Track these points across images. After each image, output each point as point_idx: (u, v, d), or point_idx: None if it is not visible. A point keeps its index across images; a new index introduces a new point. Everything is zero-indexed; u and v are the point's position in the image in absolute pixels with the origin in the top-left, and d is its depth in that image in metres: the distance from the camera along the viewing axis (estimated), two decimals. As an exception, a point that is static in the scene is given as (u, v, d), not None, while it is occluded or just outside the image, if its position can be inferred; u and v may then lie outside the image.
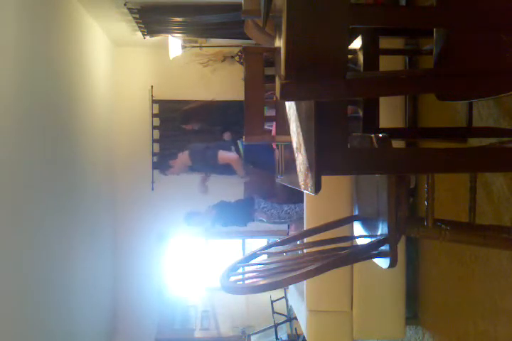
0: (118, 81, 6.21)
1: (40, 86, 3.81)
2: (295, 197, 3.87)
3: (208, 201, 4.32)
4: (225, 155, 4.21)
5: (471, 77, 1.09)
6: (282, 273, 1.21)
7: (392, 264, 1.27)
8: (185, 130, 4.84)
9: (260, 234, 6.08)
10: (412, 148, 2.62)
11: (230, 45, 6.00)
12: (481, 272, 2.13)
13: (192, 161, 4.28)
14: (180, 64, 6.11)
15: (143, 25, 5.26)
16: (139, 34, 5.52)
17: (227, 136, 4.40)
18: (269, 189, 4.30)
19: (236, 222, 4.34)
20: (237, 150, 4.16)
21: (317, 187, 1.09)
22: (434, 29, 1.48)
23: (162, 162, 4.56)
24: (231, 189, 5.01)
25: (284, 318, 5.53)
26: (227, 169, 4.29)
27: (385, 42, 1.85)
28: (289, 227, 4.61)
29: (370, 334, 2.84)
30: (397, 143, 2.45)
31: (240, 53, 6.13)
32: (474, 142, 1.93)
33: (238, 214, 4.21)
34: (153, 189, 6.22)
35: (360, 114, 1.69)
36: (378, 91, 1.12)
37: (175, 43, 5.61)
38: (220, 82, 6.19)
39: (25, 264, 3.48)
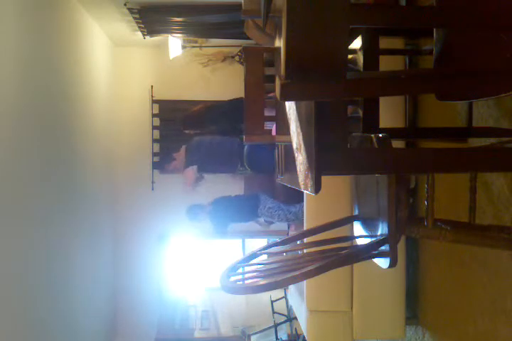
0: (118, 81, 6.21)
1: (40, 86, 3.81)
2: (300, 196, 3.80)
3: (209, 199, 4.30)
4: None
5: (471, 77, 1.09)
6: (282, 273, 1.21)
7: (392, 264, 1.27)
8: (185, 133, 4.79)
9: (260, 234, 6.07)
10: (412, 148, 2.62)
11: (230, 45, 6.01)
12: (480, 272, 2.13)
13: (188, 155, 4.16)
14: (181, 64, 6.12)
15: (143, 25, 5.26)
16: (139, 34, 5.52)
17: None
18: (272, 185, 4.26)
19: (238, 219, 4.26)
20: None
21: (317, 187, 1.09)
22: (434, 29, 1.48)
23: (163, 160, 4.44)
24: (230, 186, 5.01)
25: (284, 318, 5.54)
26: (224, 166, 4.22)
27: (385, 42, 1.85)
28: (289, 227, 4.59)
29: (370, 334, 2.84)
30: (397, 143, 2.45)
31: (240, 53, 6.13)
32: (474, 142, 1.93)
33: (240, 211, 4.13)
34: (153, 189, 6.22)
35: (360, 114, 1.69)
36: (378, 91, 1.12)
37: (175, 43, 5.61)
38: (220, 82, 6.19)
39: (25, 264, 3.48)
